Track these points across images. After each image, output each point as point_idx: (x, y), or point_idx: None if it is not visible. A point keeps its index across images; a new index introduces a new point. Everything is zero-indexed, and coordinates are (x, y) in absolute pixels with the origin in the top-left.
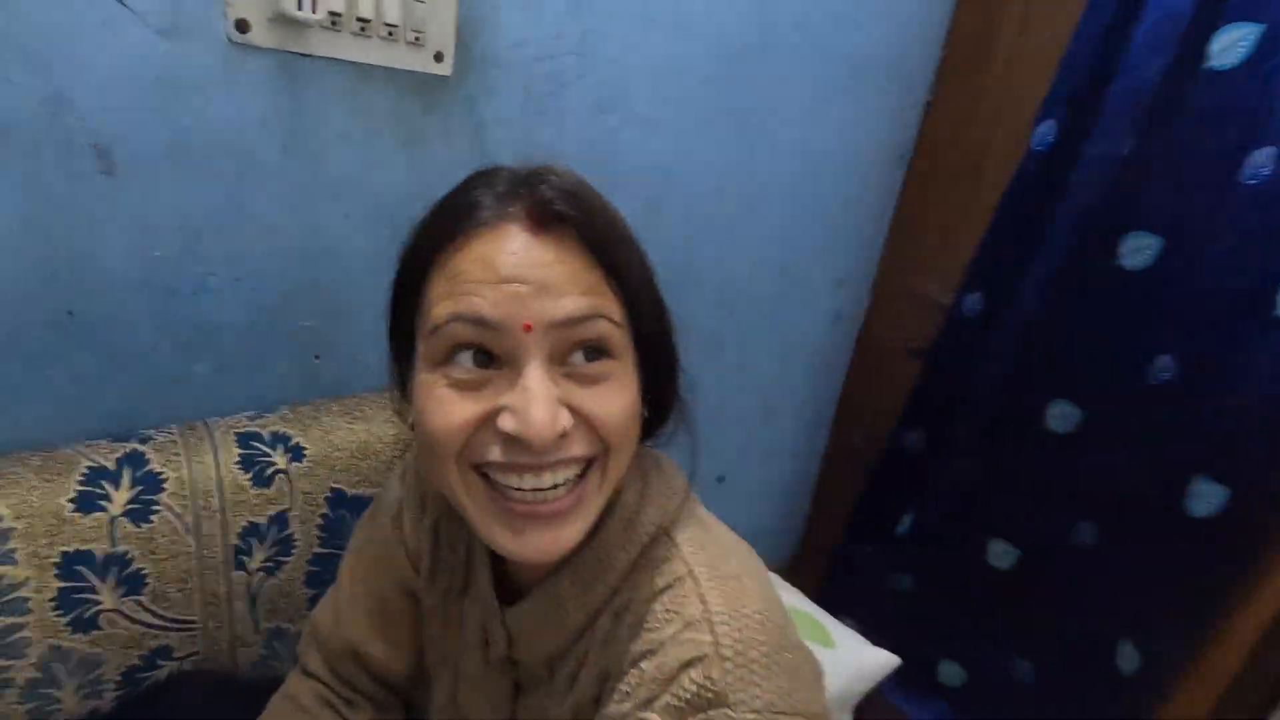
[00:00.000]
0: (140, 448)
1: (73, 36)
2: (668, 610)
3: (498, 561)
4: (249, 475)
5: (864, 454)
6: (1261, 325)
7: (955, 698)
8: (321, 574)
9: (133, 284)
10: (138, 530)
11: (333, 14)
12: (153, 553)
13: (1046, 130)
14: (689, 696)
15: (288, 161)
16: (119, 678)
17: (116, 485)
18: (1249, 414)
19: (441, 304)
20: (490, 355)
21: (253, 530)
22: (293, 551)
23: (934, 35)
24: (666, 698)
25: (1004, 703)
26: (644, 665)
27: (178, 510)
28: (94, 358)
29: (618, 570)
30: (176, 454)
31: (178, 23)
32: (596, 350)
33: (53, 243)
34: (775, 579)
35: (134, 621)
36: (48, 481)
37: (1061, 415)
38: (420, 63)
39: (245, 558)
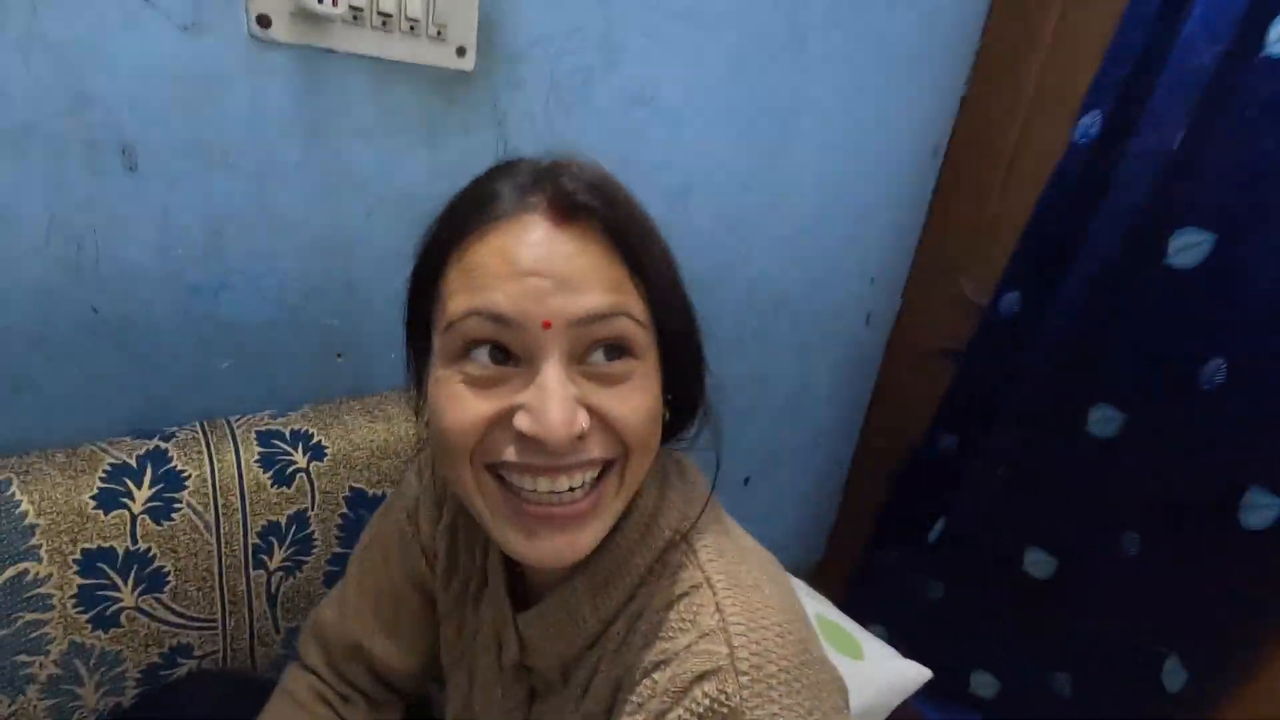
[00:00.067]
0: (163, 445)
1: (97, 33)
2: (682, 619)
3: (513, 565)
4: (269, 474)
5: (894, 457)
6: None
7: (988, 708)
8: (340, 574)
9: (156, 281)
10: (159, 528)
11: (354, 8)
12: (173, 551)
13: (1090, 122)
14: (701, 711)
15: (309, 158)
16: (139, 675)
17: (138, 483)
18: None
19: (458, 298)
20: (507, 352)
21: (273, 529)
22: (312, 551)
23: (970, 25)
24: (679, 711)
25: (1039, 716)
26: (656, 676)
27: (199, 508)
28: (118, 355)
29: (633, 575)
30: (198, 452)
31: (200, 18)
32: (618, 349)
33: (77, 240)
34: (801, 585)
35: (154, 619)
36: (71, 478)
37: (1103, 420)
38: (442, 57)
39: (265, 557)
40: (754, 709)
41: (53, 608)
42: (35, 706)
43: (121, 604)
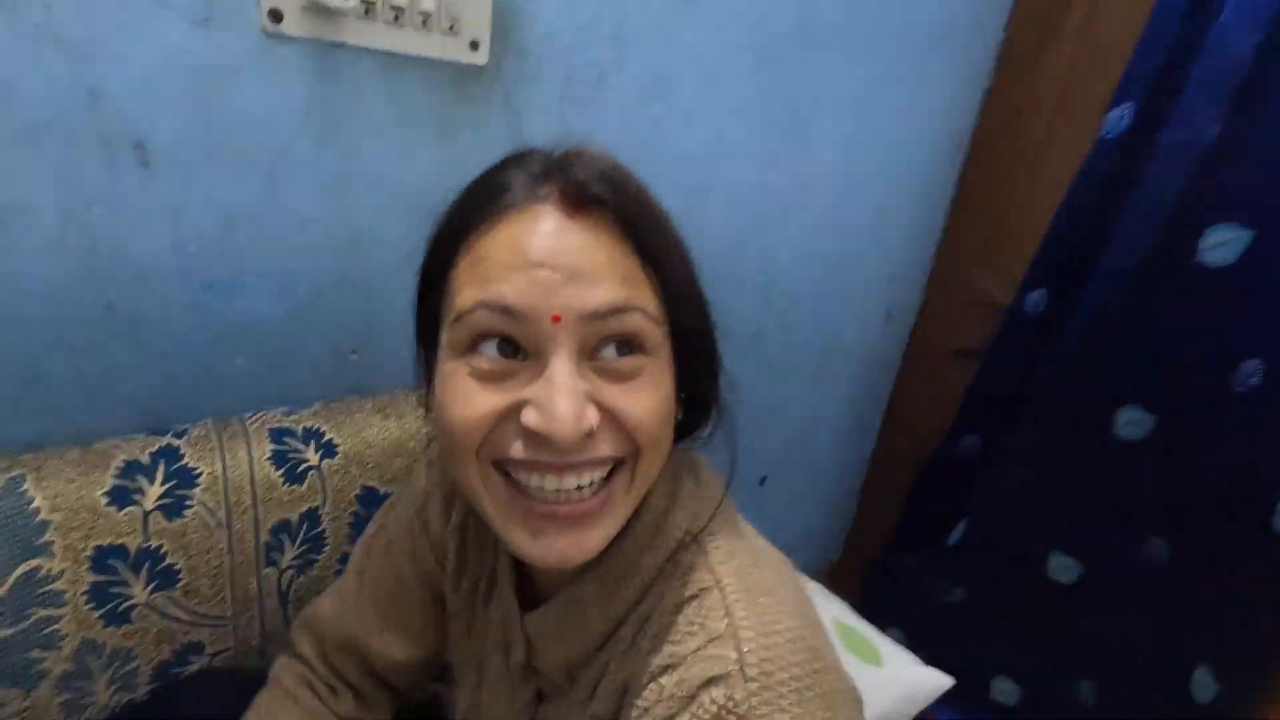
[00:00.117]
0: (175, 442)
1: (110, 28)
2: (691, 622)
3: (521, 565)
4: (281, 471)
5: (913, 458)
6: None
7: (1009, 715)
8: None
9: (169, 277)
10: (170, 525)
11: (366, 2)
12: (185, 548)
13: (1120, 115)
14: (708, 718)
15: (322, 153)
16: (151, 672)
17: (150, 479)
18: None
19: (466, 290)
20: (516, 346)
21: (284, 527)
22: (324, 549)
23: (994, 16)
24: (685, 717)
25: None
26: (663, 680)
27: (210, 506)
28: (132, 351)
29: (642, 577)
30: (210, 449)
31: (212, 13)
32: (629, 345)
33: (91, 236)
34: (818, 588)
35: (166, 616)
36: (84, 474)
37: (1132, 422)
38: (455, 51)
39: (277, 554)
40: (763, 717)
41: (65, 604)
42: (48, 702)
43: (133, 601)
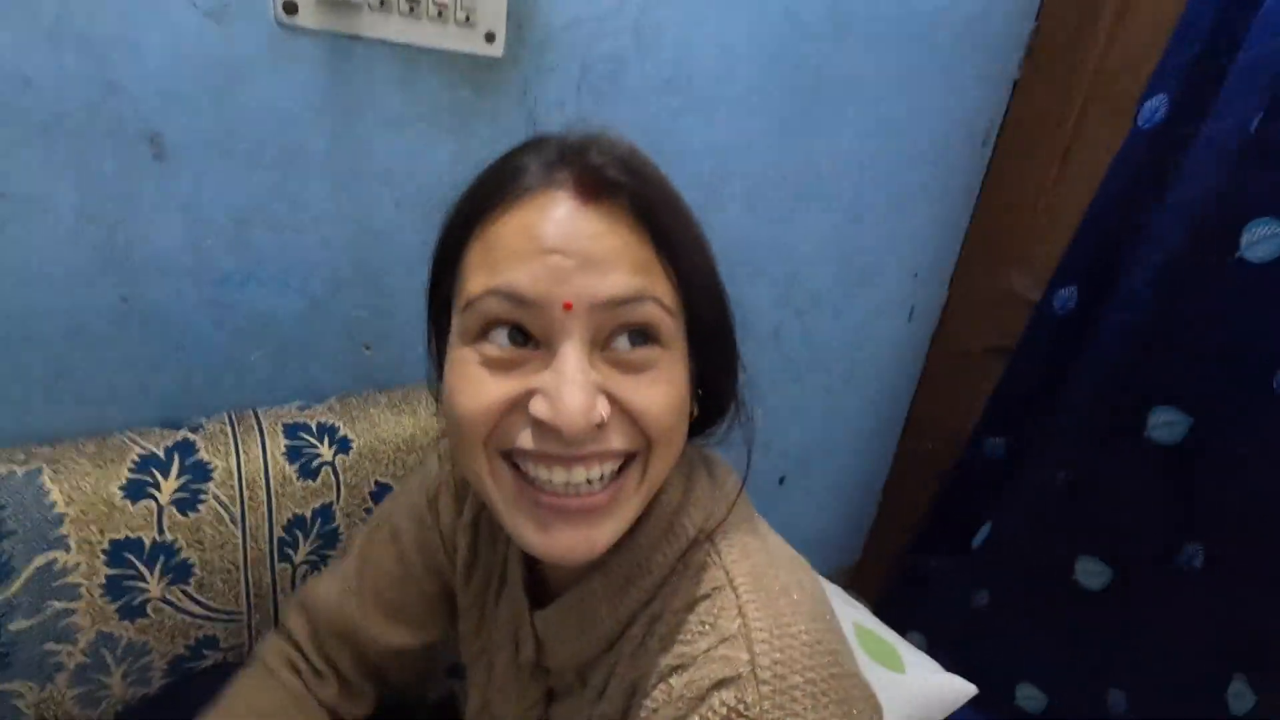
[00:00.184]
0: (190, 436)
1: (124, 21)
2: (702, 622)
3: (532, 561)
4: (295, 466)
5: (937, 459)
6: None
7: None
8: None
9: (184, 272)
10: (185, 519)
11: None
12: (199, 542)
13: (1155, 106)
14: None
15: (337, 147)
16: (166, 666)
17: (166, 474)
18: None
19: (477, 276)
20: (527, 334)
21: (298, 522)
22: (337, 545)
23: (1024, 4)
24: (694, 719)
25: None
26: (673, 681)
27: (225, 500)
28: (147, 345)
29: (654, 576)
30: (225, 443)
31: (226, 6)
32: (643, 335)
33: (107, 230)
34: (838, 591)
35: (180, 611)
36: (100, 468)
37: (1166, 424)
38: (471, 43)
39: (290, 550)
40: None
41: (81, 597)
42: (64, 694)
43: (148, 595)
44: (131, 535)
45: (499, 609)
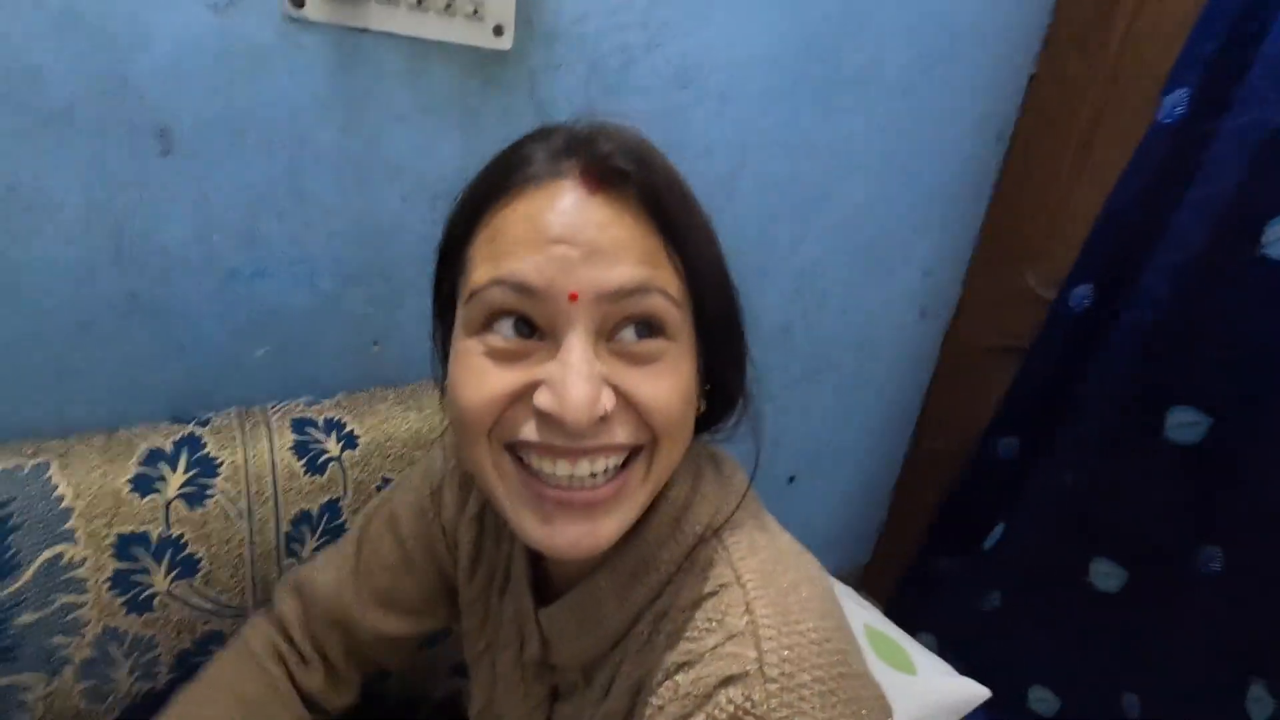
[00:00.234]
0: (198, 431)
1: (133, 13)
2: (709, 619)
3: (537, 558)
4: (302, 462)
5: (949, 459)
6: None
7: None
8: None
9: (193, 266)
10: (191, 514)
11: None
12: (206, 537)
13: (1177, 100)
14: (725, 718)
15: (345, 141)
16: (173, 660)
17: (173, 468)
18: None
19: (482, 266)
20: (532, 325)
21: (304, 518)
22: None
23: None
24: (700, 717)
25: None
26: (679, 678)
27: (232, 495)
28: (156, 340)
29: (660, 572)
30: (232, 438)
31: None
32: (649, 327)
33: (116, 224)
34: (848, 592)
35: (186, 605)
36: (108, 462)
37: (1185, 424)
38: (479, 37)
39: (297, 545)
40: None
41: (88, 591)
42: (71, 688)
43: (154, 589)
44: (138, 529)
45: (503, 606)
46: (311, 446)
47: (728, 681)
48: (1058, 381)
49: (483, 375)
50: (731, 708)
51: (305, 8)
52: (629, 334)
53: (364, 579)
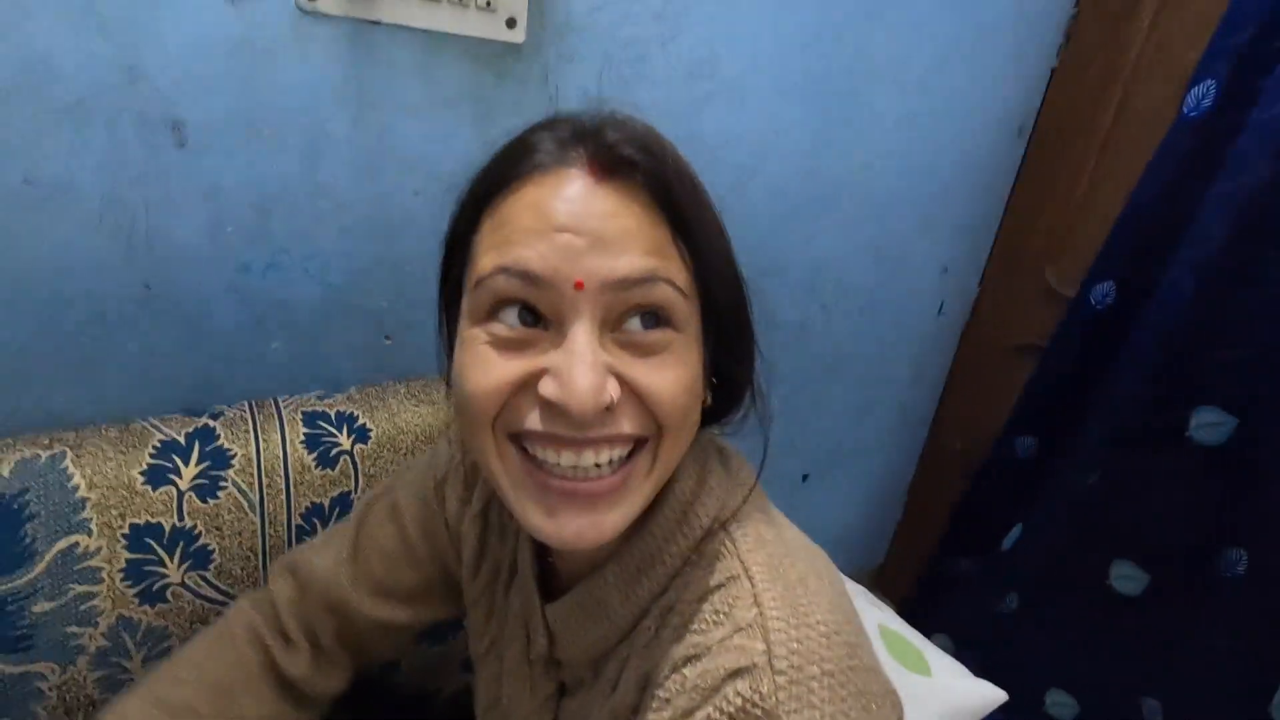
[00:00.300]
0: (211, 423)
1: (148, 6)
2: (717, 612)
3: (543, 553)
4: (314, 455)
5: (966, 458)
6: None
7: None
8: None
9: (207, 259)
10: (204, 506)
11: None
12: (218, 529)
13: (1202, 93)
14: (732, 712)
15: (357, 134)
16: None
17: (186, 460)
18: None
19: (488, 255)
20: (537, 314)
21: (316, 510)
22: None
23: None
24: (708, 710)
25: None
26: (686, 671)
27: (244, 487)
28: (170, 332)
29: (667, 566)
30: (245, 431)
31: None
32: (655, 317)
33: (130, 216)
34: (863, 592)
35: (199, 596)
36: (122, 453)
37: (1210, 425)
38: (492, 29)
39: (308, 538)
40: (790, 713)
41: (102, 581)
42: (85, 677)
43: (168, 580)
44: (152, 520)
45: (509, 601)
46: (323, 440)
47: (736, 674)
48: (1077, 380)
49: (487, 364)
50: (740, 700)
51: (318, 1)
52: (635, 324)
53: (361, 565)
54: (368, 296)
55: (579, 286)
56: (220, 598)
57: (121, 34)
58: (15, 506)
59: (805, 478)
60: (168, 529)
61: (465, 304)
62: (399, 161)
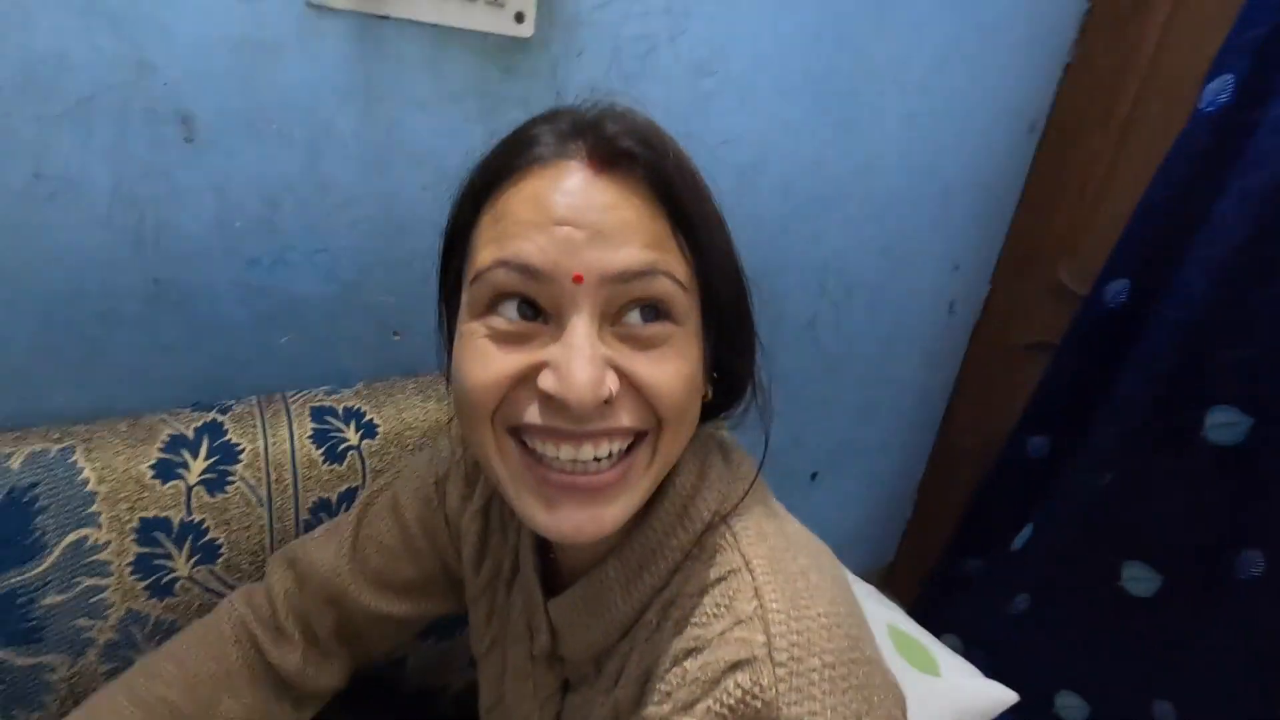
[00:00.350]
0: (219, 418)
1: (156, 1)
2: (718, 605)
3: (545, 549)
4: (321, 450)
5: (976, 458)
6: None
7: None
8: None
9: (215, 254)
10: (213, 500)
11: None
12: (226, 523)
13: (1220, 87)
14: (733, 703)
15: (365, 129)
16: None
17: (195, 454)
18: None
19: (487, 248)
20: (536, 307)
21: (323, 506)
22: None
23: None
24: (708, 702)
25: None
26: (687, 664)
27: (252, 482)
28: (179, 327)
29: (668, 560)
30: (253, 425)
31: None
32: (655, 311)
33: (139, 211)
34: (871, 591)
35: (207, 590)
36: (131, 447)
37: (1225, 424)
38: (500, 24)
39: None
40: (791, 704)
41: (111, 574)
42: (94, 670)
43: (176, 573)
44: (160, 514)
45: (511, 599)
46: (331, 435)
47: (736, 666)
48: (1090, 379)
49: (486, 357)
50: (739, 692)
51: None
52: (634, 317)
53: (361, 559)
54: (375, 292)
55: (578, 280)
56: (228, 591)
57: (130, 29)
58: (25, 500)
59: (814, 476)
60: (176, 523)
61: (464, 297)
62: (407, 156)
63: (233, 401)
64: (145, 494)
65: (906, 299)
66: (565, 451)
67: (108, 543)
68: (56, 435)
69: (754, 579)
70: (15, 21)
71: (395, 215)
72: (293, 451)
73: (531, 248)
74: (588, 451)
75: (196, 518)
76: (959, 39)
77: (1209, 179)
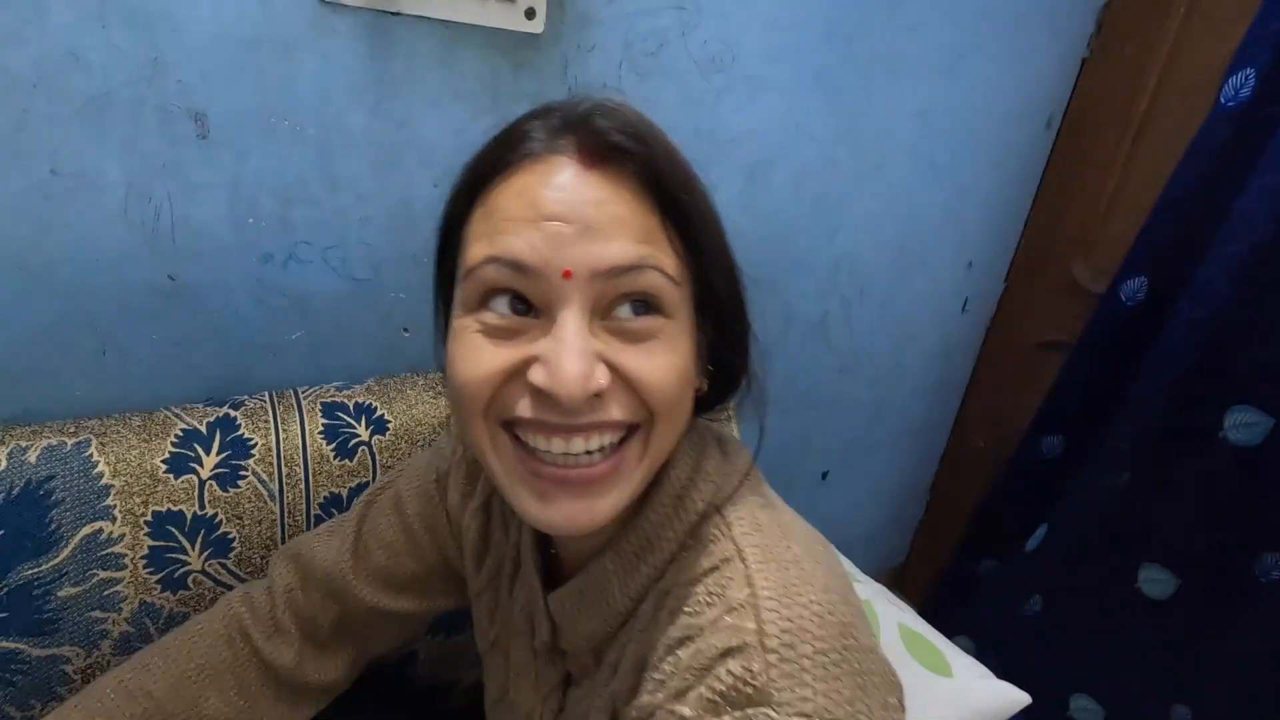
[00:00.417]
0: (232, 413)
1: None
2: (710, 593)
3: (545, 544)
4: (333, 446)
5: (989, 457)
6: None
7: None
8: None
9: (229, 251)
10: (225, 495)
11: None
12: (238, 517)
13: (1240, 82)
14: (724, 689)
15: (376, 126)
16: None
17: (207, 449)
18: None
19: (478, 244)
20: (528, 302)
21: (334, 501)
22: None
23: None
24: (701, 689)
25: None
26: (680, 653)
27: (264, 477)
28: (193, 322)
29: (664, 551)
30: (265, 421)
31: None
32: (645, 305)
33: (154, 207)
34: (882, 591)
35: (219, 584)
36: (145, 441)
37: (1245, 424)
38: (511, 20)
39: None
40: (782, 690)
41: (125, 567)
42: (109, 662)
43: (189, 567)
44: (173, 508)
45: (513, 595)
46: (342, 431)
47: (727, 653)
48: (1106, 378)
49: (478, 352)
50: (731, 679)
51: None
52: (625, 311)
53: (363, 555)
54: (387, 288)
55: (567, 275)
56: (240, 585)
57: (144, 27)
58: (41, 493)
59: (825, 475)
60: (189, 517)
61: (457, 294)
62: (418, 153)
63: (245, 397)
64: (159, 488)
65: (919, 297)
66: (557, 445)
67: (122, 536)
68: (72, 429)
69: (746, 567)
70: (31, 20)
71: (406, 211)
72: (304, 447)
73: (521, 244)
74: (579, 445)
75: (209, 512)
76: (973, 33)
77: (1229, 175)
